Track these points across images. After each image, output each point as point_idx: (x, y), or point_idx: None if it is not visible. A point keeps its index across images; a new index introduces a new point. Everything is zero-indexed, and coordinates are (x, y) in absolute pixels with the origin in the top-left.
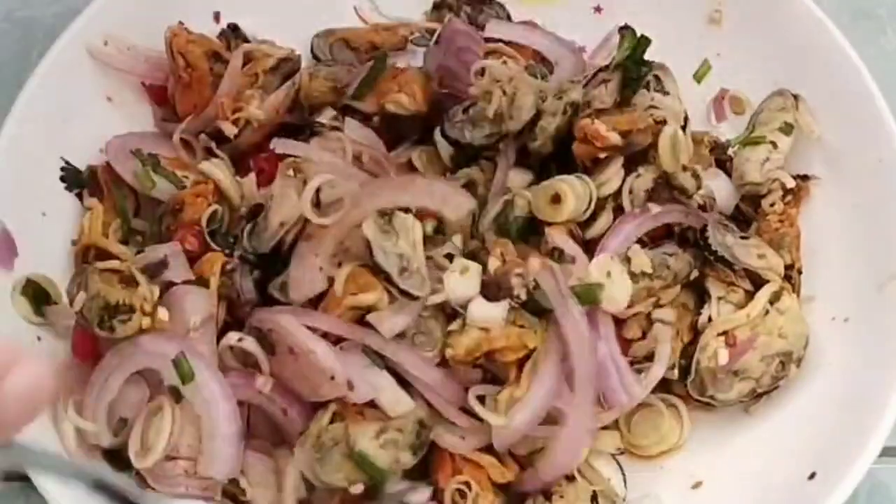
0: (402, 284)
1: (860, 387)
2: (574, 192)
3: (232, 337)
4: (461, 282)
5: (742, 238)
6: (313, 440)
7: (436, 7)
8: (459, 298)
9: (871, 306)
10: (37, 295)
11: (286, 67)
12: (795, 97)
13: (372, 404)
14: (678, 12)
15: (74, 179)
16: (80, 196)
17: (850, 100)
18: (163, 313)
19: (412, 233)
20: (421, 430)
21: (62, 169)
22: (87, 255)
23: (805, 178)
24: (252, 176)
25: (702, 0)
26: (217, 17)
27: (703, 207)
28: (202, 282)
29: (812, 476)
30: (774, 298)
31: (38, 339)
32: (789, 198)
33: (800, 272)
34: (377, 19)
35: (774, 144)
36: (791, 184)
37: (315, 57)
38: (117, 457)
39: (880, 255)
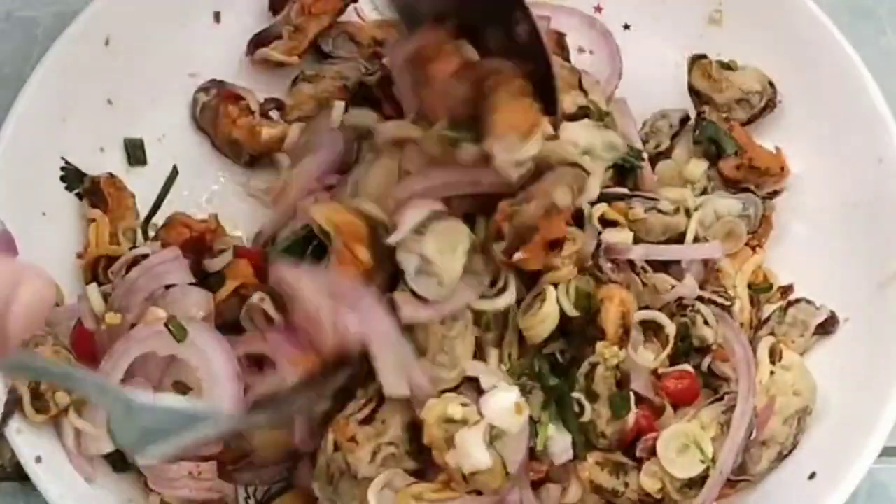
0: (411, 284)
1: (860, 387)
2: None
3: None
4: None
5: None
6: (325, 472)
7: None
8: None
9: (871, 306)
10: None
11: None
12: None
13: (365, 421)
14: (678, 12)
15: (74, 179)
16: (80, 196)
17: (850, 100)
18: (160, 313)
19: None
20: (413, 434)
21: (62, 169)
22: (96, 266)
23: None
24: None
25: (702, 0)
26: (217, 16)
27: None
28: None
29: (812, 476)
30: (774, 356)
31: None
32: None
33: (770, 287)
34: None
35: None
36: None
37: (317, 49)
38: (119, 458)
39: (880, 255)
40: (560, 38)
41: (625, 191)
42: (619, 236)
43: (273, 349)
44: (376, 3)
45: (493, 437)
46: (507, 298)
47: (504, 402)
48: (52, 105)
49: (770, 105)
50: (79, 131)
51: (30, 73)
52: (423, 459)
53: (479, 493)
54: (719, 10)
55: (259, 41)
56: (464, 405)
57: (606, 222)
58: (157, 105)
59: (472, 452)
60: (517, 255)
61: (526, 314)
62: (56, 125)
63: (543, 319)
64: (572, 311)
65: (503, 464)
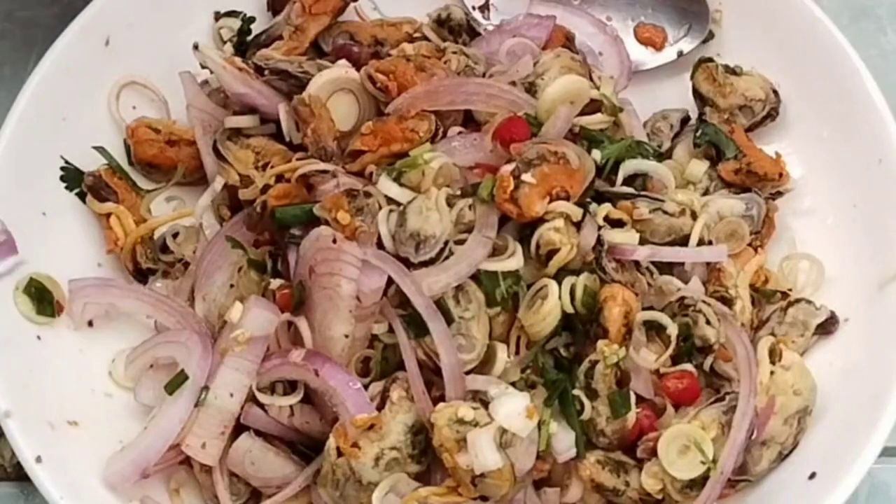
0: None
1: (860, 387)
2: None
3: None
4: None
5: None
6: (330, 477)
7: (439, 23)
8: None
9: (871, 306)
10: (39, 294)
11: None
12: None
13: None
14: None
15: (74, 179)
16: (80, 196)
17: (850, 100)
18: (237, 308)
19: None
20: (415, 437)
21: (62, 169)
22: (135, 254)
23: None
24: None
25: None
26: (217, 16)
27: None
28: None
29: (812, 476)
30: (774, 356)
31: (38, 338)
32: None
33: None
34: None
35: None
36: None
37: (317, 48)
38: None
39: (880, 255)
40: (568, 35)
41: (631, 190)
42: (623, 236)
43: (332, 395)
44: (376, 3)
45: (505, 442)
46: (516, 261)
47: (515, 405)
48: (52, 105)
49: (772, 114)
50: (79, 131)
51: (30, 73)
52: (426, 463)
53: (485, 498)
54: (719, 10)
55: (259, 41)
56: (474, 408)
57: (613, 222)
58: (158, 105)
59: (484, 452)
60: (525, 175)
61: (528, 311)
62: (56, 125)
63: (545, 317)
64: (570, 308)
65: (512, 469)
